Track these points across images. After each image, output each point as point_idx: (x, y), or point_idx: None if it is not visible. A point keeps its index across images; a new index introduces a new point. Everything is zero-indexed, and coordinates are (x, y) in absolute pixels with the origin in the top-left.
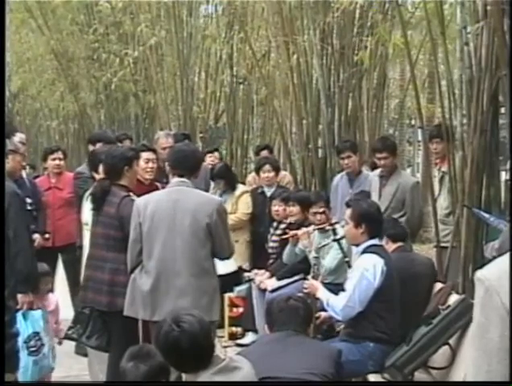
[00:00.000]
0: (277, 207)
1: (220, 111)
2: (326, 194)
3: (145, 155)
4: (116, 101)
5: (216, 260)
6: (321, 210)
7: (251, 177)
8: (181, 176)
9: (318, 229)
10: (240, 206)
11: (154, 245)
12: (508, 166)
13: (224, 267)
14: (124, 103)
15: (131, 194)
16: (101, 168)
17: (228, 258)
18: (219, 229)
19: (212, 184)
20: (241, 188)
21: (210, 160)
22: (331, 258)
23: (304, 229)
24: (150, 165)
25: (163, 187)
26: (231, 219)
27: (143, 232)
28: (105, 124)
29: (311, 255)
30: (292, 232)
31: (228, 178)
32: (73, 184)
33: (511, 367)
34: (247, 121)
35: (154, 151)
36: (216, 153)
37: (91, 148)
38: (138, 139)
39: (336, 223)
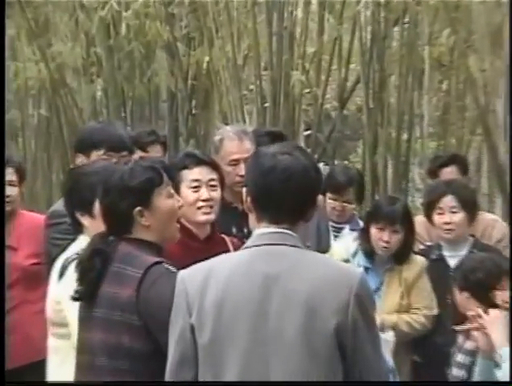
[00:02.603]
0: None
1: (351, 83)
2: None
3: (192, 174)
4: (128, 61)
5: None
6: None
7: (419, 223)
8: (277, 223)
9: None
10: (417, 296)
11: (224, 371)
12: None
13: None
14: (145, 65)
15: (164, 259)
16: (97, 207)
17: None
18: (362, 336)
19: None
20: (420, 259)
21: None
22: None
23: None
24: (205, 194)
25: (238, 247)
26: (409, 322)
27: (200, 345)
28: (105, 109)
29: None
30: None
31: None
32: (43, 237)
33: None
34: (410, 103)
35: (213, 166)
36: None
37: (79, 161)
38: (176, 142)
39: None
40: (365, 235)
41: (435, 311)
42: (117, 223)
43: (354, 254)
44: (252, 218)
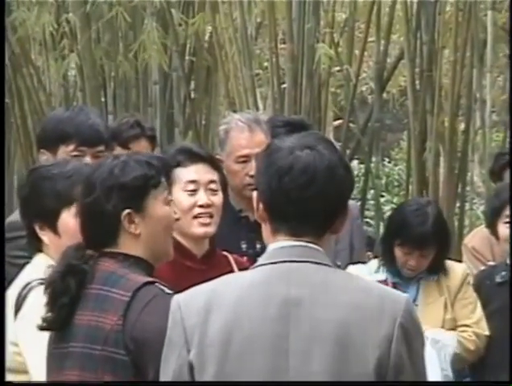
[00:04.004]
0: None
1: (393, 59)
2: None
3: (187, 174)
4: (110, 32)
5: None
6: None
7: (480, 237)
8: (297, 235)
9: None
10: (462, 310)
11: None
12: None
13: None
14: (131, 37)
15: (155, 278)
16: (63, 220)
17: None
18: (406, 375)
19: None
20: (461, 267)
21: None
22: None
23: None
24: (204, 199)
25: (245, 268)
26: (461, 342)
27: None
28: (81, 93)
29: None
30: None
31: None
32: None
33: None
34: (468, 84)
35: (213, 164)
36: None
37: (43, 160)
38: (171, 135)
39: None
40: (386, 253)
41: (487, 332)
42: (100, 231)
43: (377, 270)
44: (266, 229)
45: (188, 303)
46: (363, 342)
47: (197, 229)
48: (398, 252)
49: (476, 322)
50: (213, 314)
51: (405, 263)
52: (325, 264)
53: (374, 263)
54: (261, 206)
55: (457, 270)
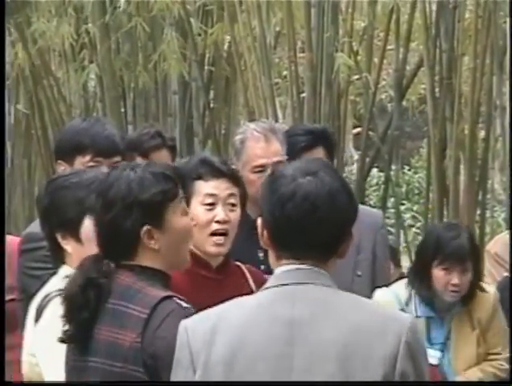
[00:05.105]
0: None
1: (412, 66)
2: None
3: (207, 187)
4: (129, 43)
5: None
6: None
7: (502, 243)
8: (302, 260)
9: None
10: (494, 338)
11: None
12: None
13: None
14: (151, 47)
15: (174, 293)
16: (85, 228)
17: None
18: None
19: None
20: (489, 295)
21: None
22: None
23: None
24: (221, 214)
25: (258, 277)
26: (495, 374)
27: None
28: (100, 104)
29: None
30: None
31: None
32: (16, 267)
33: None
34: (489, 91)
35: (234, 179)
36: None
37: (61, 170)
38: (190, 144)
39: None
40: (421, 279)
41: None
42: (119, 246)
43: (407, 303)
44: (271, 255)
45: (195, 327)
46: (366, 362)
47: (211, 248)
48: (439, 273)
49: (505, 346)
50: (219, 336)
51: (447, 284)
52: (329, 286)
53: (401, 287)
54: (265, 233)
55: (487, 296)
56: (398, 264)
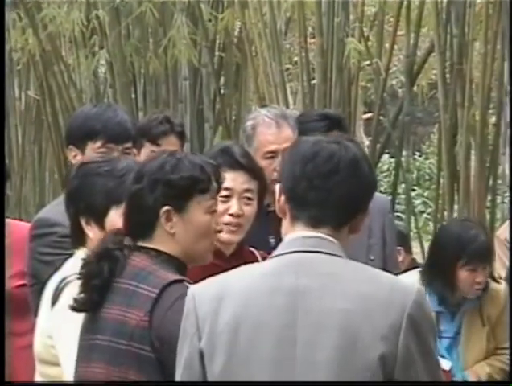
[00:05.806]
0: None
1: (423, 52)
2: None
3: (224, 180)
4: (139, 28)
5: None
6: None
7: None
8: (315, 226)
9: None
10: (503, 333)
11: None
12: None
13: None
14: (161, 33)
15: (185, 278)
16: (110, 217)
17: None
18: (416, 368)
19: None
20: (500, 293)
21: None
22: None
23: None
24: (235, 208)
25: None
26: (503, 369)
27: (210, 375)
28: (111, 90)
29: None
30: None
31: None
32: (27, 253)
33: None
34: (500, 76)
35: (253, 173)
36: None
37: (72, 156)
38: (201, 130)
39: None
40: (444, 279)
41: None
42: (139, 222)
43: None
44: (285, 223)
45: (202, 293)
46: (370, 333)
47: (223, 235)
48: (464, 273)
49: None
50: (224, 302)
51: (472, 283)
52: (337, 255)
53: (410, 279)
54: (282, 197)
55: (497, 291)
56: (408, 251)
